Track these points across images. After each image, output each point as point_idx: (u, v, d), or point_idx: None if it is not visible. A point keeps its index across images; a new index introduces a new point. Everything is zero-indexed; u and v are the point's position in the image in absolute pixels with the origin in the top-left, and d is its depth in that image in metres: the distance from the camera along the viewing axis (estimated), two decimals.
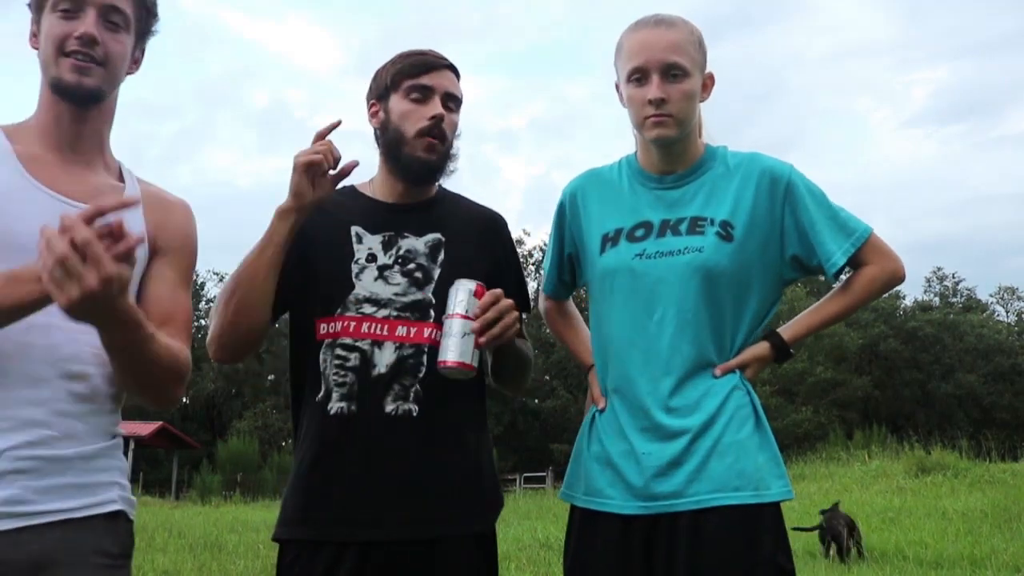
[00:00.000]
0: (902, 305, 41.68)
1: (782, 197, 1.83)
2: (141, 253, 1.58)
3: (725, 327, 1.81)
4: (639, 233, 1.85)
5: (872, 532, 8.42)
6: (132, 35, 1.59)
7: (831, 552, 7.31)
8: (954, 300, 45.66)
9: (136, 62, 1.65)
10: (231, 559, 7.94)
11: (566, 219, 2.00)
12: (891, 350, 36.40)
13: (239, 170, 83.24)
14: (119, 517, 1.53)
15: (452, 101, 1.88)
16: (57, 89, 1.52)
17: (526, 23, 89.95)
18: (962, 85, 77.04)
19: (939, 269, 47.04)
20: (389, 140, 1.86)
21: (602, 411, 1.86)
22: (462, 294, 1.71)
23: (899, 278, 1.88)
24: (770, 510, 1.73)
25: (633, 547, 1.75)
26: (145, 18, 1.62)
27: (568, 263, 2.03)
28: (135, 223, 1.57)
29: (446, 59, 1.90)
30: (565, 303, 2.11)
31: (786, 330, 1.88)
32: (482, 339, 1.68)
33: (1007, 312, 47.71)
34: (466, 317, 1.69)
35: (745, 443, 1.75)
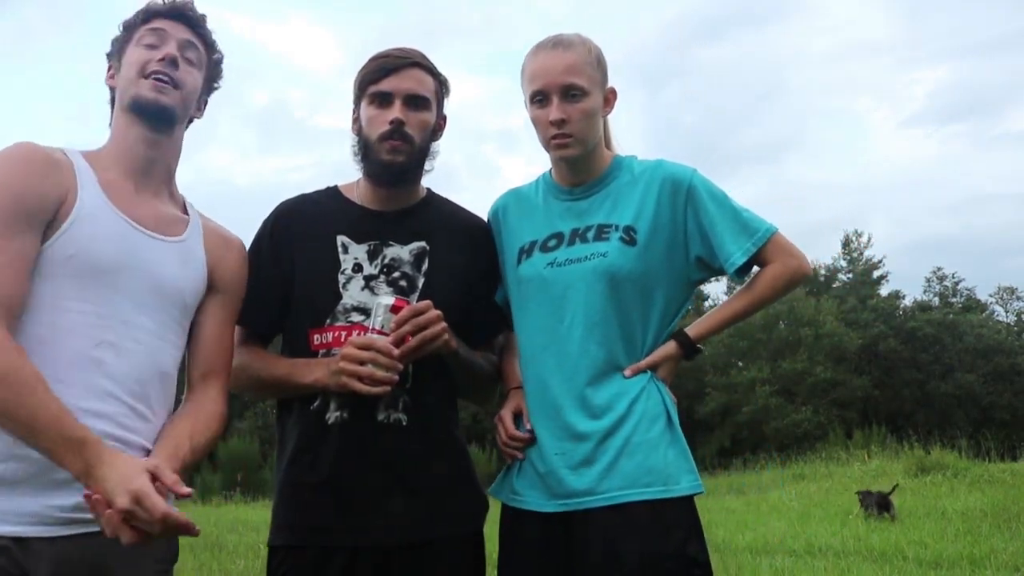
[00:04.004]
0: (901, 305, 41.64)
1: (684, 201, 1.91)
2: (200, 285, 1.73)
3: (634, 328, 1.88)
4: (551, 243, 1.94)
5: (872, 532, 8.43)
6: (203, 77, 1.78)
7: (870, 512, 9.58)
8: (954, 300, 45.60)
9: (200, 109, 1.81)
10: (231, 559, 7.93)
11: (493, 237, 2.07)
12: (890, 350, 36.37)
13: (238, 169, 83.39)
14: None
15: (416, 100, 1.87)
16: (135, 106, 1.67)
17: (526, 22, 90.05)
18: (962, 84, 77.02)
19: (939, 269, 46.92)
20: (361, 147, 1.89)
21: (530, 431, 1.89)
22: (379, 310, 1.74)
23: (802, 274, 1.94)
24: (681, 503, 1.80)
25: (552, 543, 1.82)
26: (214, 68, 1.82)
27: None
28: (197, 256, 1.74)
29: (410, 56, 1.88)
30: (508, 334, 2.10)
31: (692, 328, 1.96)
32: (396, 352, 1.70)
33: (1007, 312, 47.69)
34: (381, 333, 1.72)
35: (655, 441, 1.81)
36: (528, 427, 1.89)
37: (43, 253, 1.50)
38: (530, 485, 1.87)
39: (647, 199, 1.91)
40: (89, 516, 1.44)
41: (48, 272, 1.51)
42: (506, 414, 1.94)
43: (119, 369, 1.54)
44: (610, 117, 2.01)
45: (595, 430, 1.82)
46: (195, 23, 1.76)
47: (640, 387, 1.85)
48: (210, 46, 1.79)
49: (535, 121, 1.93)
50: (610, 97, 1.98)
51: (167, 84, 1.67)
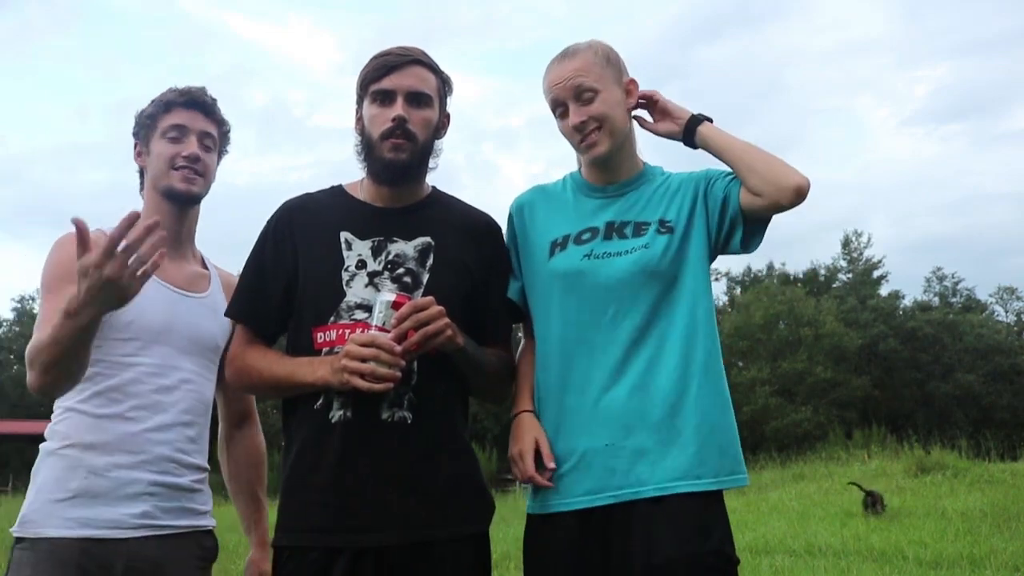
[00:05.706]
0: (901, 305, 41.66)
1: (704, 188, 1.98)
2: (227, 330, 2.05)
3: (675, 316, 1.90)
4: (586, 236, 1.96)
5: (872, 532, 8.43)
6: (217, 154, 2.11)
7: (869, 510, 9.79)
8: (954, 300, 45.63)
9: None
10: (231, 559, 7.91)
11: (515, 231, 2.08)
12: (890, 350, 36.40)
13: (237, 169, 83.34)
14: (210, 532, 2.05)
15: (418, 98, 1.87)
16: (169, 195, 2.03)
17: (525, 21, 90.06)
18: (962, 83, 76.96)
19: (939, 269, 47.05)
20: (364, 145, 1.89)
21: (552, 470, 1.85)
22: (379, 306, 1.72)
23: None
24: (718, 499, 1.83)
25: (590, 542, 1.81)
26: (224, 141, 2.15)
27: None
28: (221, 306, 2.06)
29: (411, 54, 1.89)
30: (531, 342, 2.06)
31: (708, 128, 1.96)
32: (398, 349, 1.69)
33: (1006, 312, 47.73)
34: (382, 329, 1.71)
35: (708, 430, 1.83)
36: (551, 466, 1.85)
37: (108, 321, 1.80)
38: (570, 483, 1.85)
39: (684, 197, 1.97)
40: (155, 523, 1.89)
41: (114, 336, 1.89)
42: (526, 451, 1.88)
43: (174, 406, 1.94)
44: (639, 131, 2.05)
45: (643, 419, 1.82)
46: (209, 110, 2.07)
47: (694, 378, 1.85)
48: (221, 123, 2.11)
49: (563, 132, 1.99)
50: (631, 88, 2.00)
51: (195, 176, 2.01)
